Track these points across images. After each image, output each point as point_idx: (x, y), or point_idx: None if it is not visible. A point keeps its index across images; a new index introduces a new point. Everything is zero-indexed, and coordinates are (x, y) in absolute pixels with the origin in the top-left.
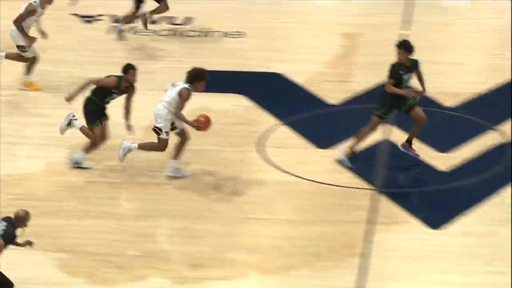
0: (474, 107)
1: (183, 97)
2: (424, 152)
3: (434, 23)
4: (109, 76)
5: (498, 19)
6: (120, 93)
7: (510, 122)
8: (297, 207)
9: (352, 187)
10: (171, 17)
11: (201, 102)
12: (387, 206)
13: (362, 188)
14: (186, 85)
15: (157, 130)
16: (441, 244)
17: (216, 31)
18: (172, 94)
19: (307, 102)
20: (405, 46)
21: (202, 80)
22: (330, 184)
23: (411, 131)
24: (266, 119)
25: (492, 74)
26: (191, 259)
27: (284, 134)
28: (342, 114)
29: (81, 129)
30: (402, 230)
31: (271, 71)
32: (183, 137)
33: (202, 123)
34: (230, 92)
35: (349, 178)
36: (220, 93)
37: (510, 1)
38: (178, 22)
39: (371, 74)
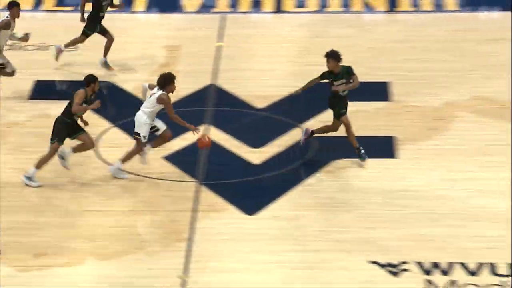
0: (280, 108)
1: (166, 102)
2: (240, 148)
3: (244, 35)
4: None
5: (298, 31)
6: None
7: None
8: (130, 199)
9: (178, 180)
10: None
11: (41, 109)
12: (208, 196)
13: (186, 181)
14: (161, 92)
15: (136, 135)
16: (255, 228)
17: (52, 45)
18: (151, 101)
19: (135, 106)
20: (332, 55)
21: (172, 83)
22: (159, 179)
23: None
24: (100, 122)
25: (294, 78)
26: (35, 249)
27: (116, 135)
28: (166, 116)
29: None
30: (222, 217)
31: (104, 80)
32: (165, 138)
33: (204, 141)
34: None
35: (175, 173)
36: (59, 100)
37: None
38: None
39: (191, 81)
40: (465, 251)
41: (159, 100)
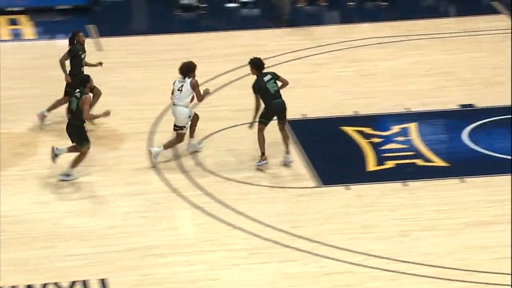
0: None
1: (197, 86)
2: None
3: None
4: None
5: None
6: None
7: None
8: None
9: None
10: None
11: None
12: None
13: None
14: (188, 79)
15: (178, 128)
16: None
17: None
18: (184, 91)
19: None
20: (252, 63)
21: (194, 70)
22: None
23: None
24: None
25: None
26: None
27: None
28: None
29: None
30: None
31: None
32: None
33: None
34: None
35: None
36: None
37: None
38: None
39: None
40: (58, 271)
41: (193, 84)
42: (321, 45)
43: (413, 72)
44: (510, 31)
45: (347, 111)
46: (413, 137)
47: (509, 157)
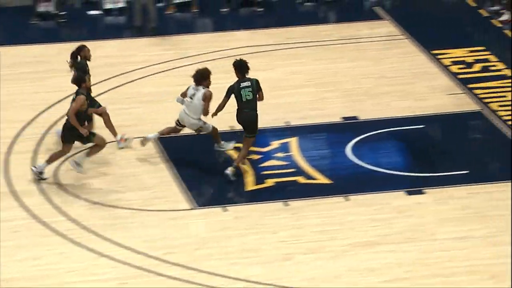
0: None
1: (208, 99)
2: None
3: None
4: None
5: None
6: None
7: None
8: None
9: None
10: None
11: None
12: None
13: None
14: (203, 88)
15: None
16: None
17: None
18: (196, 101)
19: None
20: (234, 66)
21: (208, 77)
22: None
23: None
24: None
25: None
26: None
27: None
28: None
29: None
30: None
31: None
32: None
33: None
34: None
35: None
36: None
37: None
38: None
39: None
40: None
41: (205, 96)
42: (193, 55)
43: (292, 83)
44: (392, 37)
45: (224, 126)
46: (294, 153)
47: (395, 172)
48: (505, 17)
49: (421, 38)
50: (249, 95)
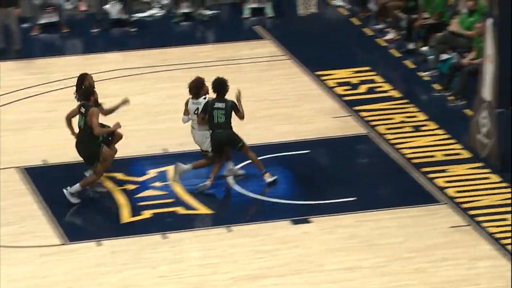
0: None
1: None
2: None
3: None
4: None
5: None
6: None
7: None
8: None
9: None
10: None
11: None
12: None
13: None
14: (204, 99)
15: (205, 153)
16: None
17: None
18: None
19: None
20: (214, 85)
21: (204, 85)
22: None
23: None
24: None
25: None
26: None
27: None
28: None
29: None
30: None
31: None
32: None
33: None
34: None
35: None
36: None
37: None
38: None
39: None
40: None
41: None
42: (62, 79)
43: (169, 107)
44: (274, 58)
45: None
46: (173, 182)
47: (280, 201)
48: (390, 36)
49: (304, 59)
50: (221, 118)
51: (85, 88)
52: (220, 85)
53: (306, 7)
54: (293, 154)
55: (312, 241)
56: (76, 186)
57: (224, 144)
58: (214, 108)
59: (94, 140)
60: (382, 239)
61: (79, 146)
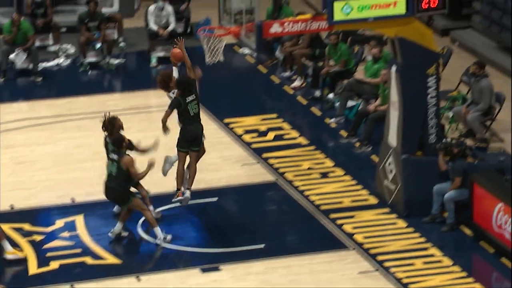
0: None
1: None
2: None
3: None
4: None
5: None
6: None
7: None
8: None
9: None
10: None
11: None
12: None
13: None
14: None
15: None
16: None
17: None
18: None
19: None
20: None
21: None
22: None
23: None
24: None
25: None
26: None
27: None
28: None
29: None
30: None
31: None
32: None
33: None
34: None
35: None
36: None
37: None
38: None
39: None
40: None
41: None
42: None
43: (77, 157)
44: None
45: (2, 206)
46: (81, 232)
47: (190, 249)
48: (297, 83)
49: (212, 107)
50: (195, 108)
51: (117, 136)
52: (186, 83)
53: (213, 55)
54: (202, 202)
55: None
56: (157, 231)
57: (196, 137)
58: (187, 103)
59: (127, 186)
60: (293, 285)
61: (110, 191)
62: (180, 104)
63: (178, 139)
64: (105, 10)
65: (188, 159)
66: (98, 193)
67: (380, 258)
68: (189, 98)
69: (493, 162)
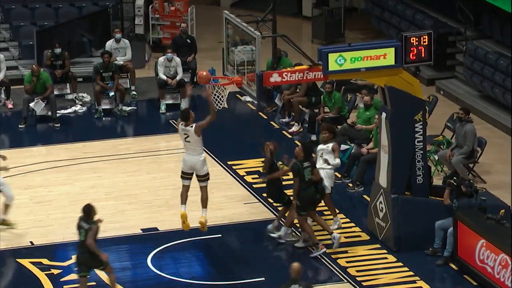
0: None
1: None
2: None
3: None
4: None
5: None
6: None
7: None
8: None
9: None
10: None
11: None
12: None
13: None
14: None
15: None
16: None
17: None
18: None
19: None
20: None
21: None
22: None
23: None
24: None
25: None
26: None
27: None
28: None
29: None
30: None
31: None
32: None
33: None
34: None
35: None
36: None
37: None
38: None
39: None
40: None
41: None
42: None
43: (92, 196)
44: None
45: (23, 242)
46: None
47: (195, 282)
48: (294, 128)
49: (216, 150)
50: (309, 175)
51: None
52: (308, 147)
53: (219, 103)
54: (207, 238)
55: None
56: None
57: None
58: (304, 168)
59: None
60: None
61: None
62: (299, 170)
63: (298, 205)
64: (119, 58)
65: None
66: (110, 230)
67: None
68: (305, 164)
69: (475, 201)
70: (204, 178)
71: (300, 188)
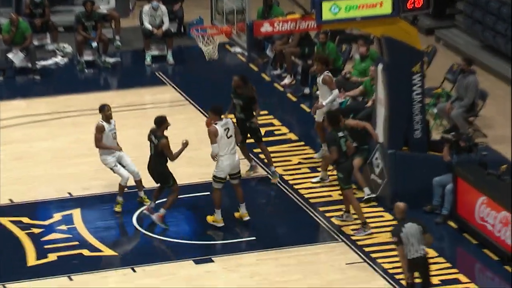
0: None
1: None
2: None
3: None
4: None
5: None
6: None
7: None
8: None
9: None
10: None
11: None
12: None
13: None
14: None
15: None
16: None
17: None
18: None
19: None
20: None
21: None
22: None
23: None
24: None
25: None
26: None
27: None
28: None
29: None
30: None
31: None
32: None
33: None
34: None
35: None
36: None
37: None
38: None
39: None
40: None
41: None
42: None
43: (74, 152)
44: (175, 103)
45: (1, 200)
46: (78, 225)
47: (183, 241)
48: (286, 80)
49: (206, 103)
50: (344, 146)
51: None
52: (335, 117)
53: (210, 54)
54: (195, 196)
55: (216, 279)
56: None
57: None
58: (339, 137)
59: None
60: (282, 276)
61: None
62: (336, 139)
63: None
64: (102, 7)
65: None
66: (94, 187)
67: (367, 249)
68: (340, 134)
69: (476, 156)
70: (240, 175)
71: (339, 161)
